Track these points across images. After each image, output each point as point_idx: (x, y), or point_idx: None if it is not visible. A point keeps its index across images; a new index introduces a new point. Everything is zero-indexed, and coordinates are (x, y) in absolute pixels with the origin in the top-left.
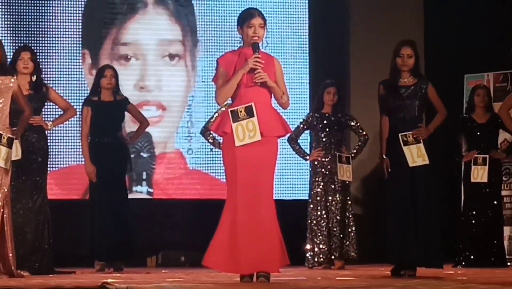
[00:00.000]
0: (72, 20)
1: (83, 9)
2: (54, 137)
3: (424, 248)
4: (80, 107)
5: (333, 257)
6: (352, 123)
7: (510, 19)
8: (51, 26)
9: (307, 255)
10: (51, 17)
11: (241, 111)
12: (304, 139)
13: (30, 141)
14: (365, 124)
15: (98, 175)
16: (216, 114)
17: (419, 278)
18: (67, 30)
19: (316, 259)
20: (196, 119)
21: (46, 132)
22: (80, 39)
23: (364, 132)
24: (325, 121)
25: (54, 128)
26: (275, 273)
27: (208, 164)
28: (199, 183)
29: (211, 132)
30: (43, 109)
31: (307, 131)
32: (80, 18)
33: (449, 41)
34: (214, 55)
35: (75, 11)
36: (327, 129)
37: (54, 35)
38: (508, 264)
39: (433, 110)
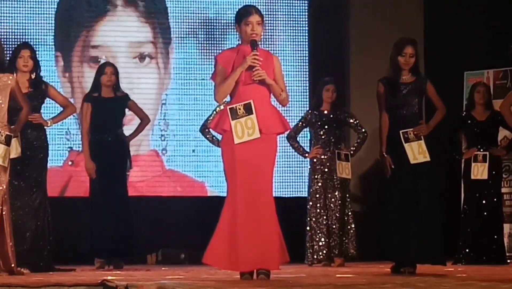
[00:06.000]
0: (45, 22)
1: (55, 11)
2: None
3: (427, 245)
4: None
5: (332, 254)
6: (351, 121)
7: (509, 16)
8: (25, 28)
9: (307, 252)
10: (25, 19)
11: (240, 109)
12: (304, 137)
13: (29, 138)
14: (364, 122)
15: (98, 172)
16: (215, 112)
17: (419, 275)
18: (41, 32)
19: (315, 256)
20: (171, 118)
21: (45, 129)
22: (53, 41)
23: (363, 130)
24: (323, 119)
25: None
26: (275, 270)
27: (184, 163)
28: (177, 184)
29: (210, 130)
30: (42, 107)
31: (307, 129)
32: (52, 20)
33: (449, 38)
34: (187, 55)
35: (48, 13)
36: (326, 127)
37: (28, 38)
38: (508, 261)
39: (433, 107)
